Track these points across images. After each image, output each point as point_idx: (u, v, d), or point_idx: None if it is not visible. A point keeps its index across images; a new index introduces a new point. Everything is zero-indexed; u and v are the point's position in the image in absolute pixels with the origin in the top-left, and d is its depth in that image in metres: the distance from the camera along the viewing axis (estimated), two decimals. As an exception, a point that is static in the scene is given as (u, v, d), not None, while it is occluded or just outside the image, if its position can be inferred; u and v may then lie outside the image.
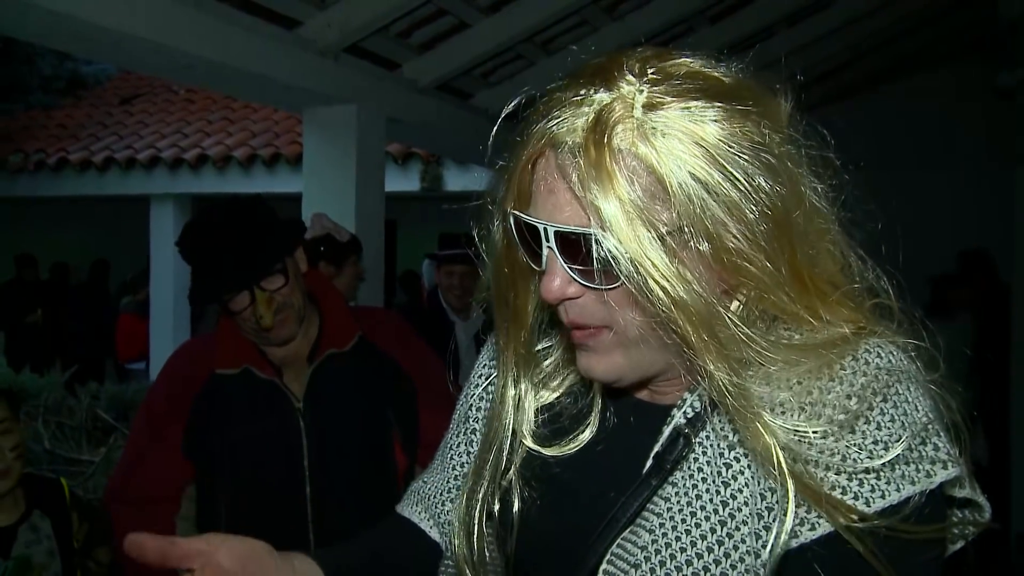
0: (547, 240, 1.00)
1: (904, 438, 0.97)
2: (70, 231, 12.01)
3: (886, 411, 0.98)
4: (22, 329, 10.23)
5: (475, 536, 1.17)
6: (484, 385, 1.30)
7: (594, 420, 1.16)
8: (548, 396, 1.20)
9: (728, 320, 0.97)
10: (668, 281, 0.94)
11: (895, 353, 1.02)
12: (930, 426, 0.98)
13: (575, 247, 0.98)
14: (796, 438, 0.97)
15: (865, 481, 0.96)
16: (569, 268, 1.00)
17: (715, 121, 0.95)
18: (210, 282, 2.27)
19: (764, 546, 0.97)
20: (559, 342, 1.21)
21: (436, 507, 1.31)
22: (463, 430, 1.32)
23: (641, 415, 1.13)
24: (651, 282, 0.94)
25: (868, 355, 1.01)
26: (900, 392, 0.99)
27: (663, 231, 0.94)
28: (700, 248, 0.95)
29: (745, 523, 0.98)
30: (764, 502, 0.99)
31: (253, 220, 2.30)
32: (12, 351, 10.04)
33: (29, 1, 3.02)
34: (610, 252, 0.94)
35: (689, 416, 1.06)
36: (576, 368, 1.16)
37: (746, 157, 0.95)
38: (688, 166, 0.94)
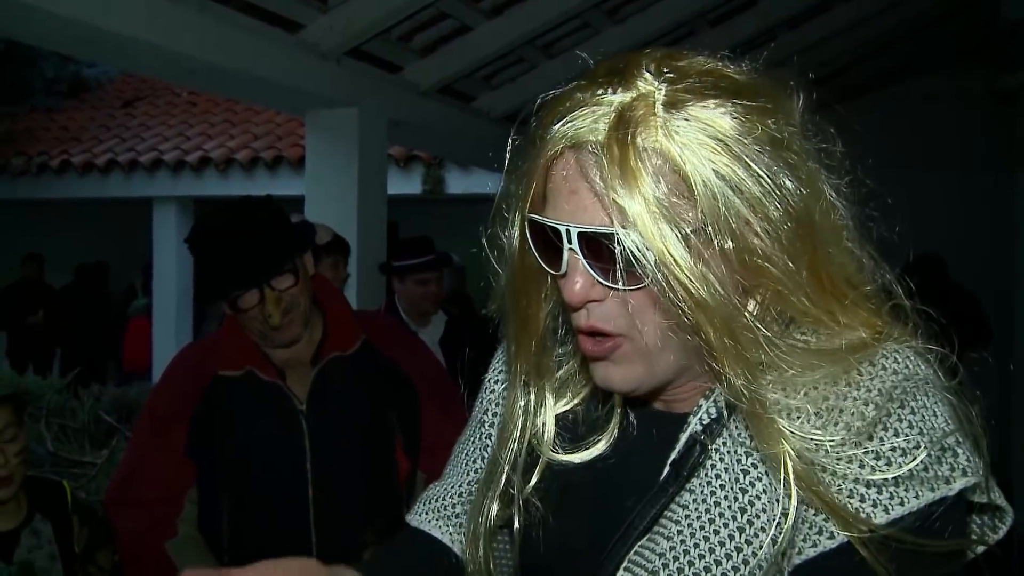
0: (569, 242, 0.99)
1: (924, 445, 0.95)
2: (72, 234, 12.00)
3: (904, 418, 0.96)
4: (24, 330, 10.24)
5: (483, 543, 1.16)
6: (500, 391, 1.29)
7: (612, 429, 1.14)
8: (565, 404, 1.18)
9: (748, 322, 0.97)
10: (692, 281, 0.94)
11: (912, 359, 1.01)
12: (950, 434, 0.97)
13: (599, 247, 0.97)
14: (812, 444, 0.96)
15: (884, 488, 0.94)
16: (592, 269, 0.99)
17: (735, 118, 0.95)
18: (220, 279, 2.28)
19: (781, 553, 0.97)
20: (575, 350, 1.18)
21: (448, 509, 1.30)
22: (478, 435, 1.31)
23: (658, 424, 1.12)
24: (674, 282, 0.94)
25: (885, 361, 1.00)
26: (919, 399, 0.98)
27: (687, 230, 0.94)
28: (723, 247, 0.95)
29: (763, 530, 0.97)
30: (779, 507, 0.97)
31: (265, 220, 2.31)
32: (14, 352, 10.06)
33: (32, 4, 3.03)
34: (634, 251, 0.94)
35: (705, 423, 1.05)
36: (589, 385, 1.16)
37: (767, 154, 0.96)
38: (712, 163, 0.94)
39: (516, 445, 1.16)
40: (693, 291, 0.94)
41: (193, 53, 3.66)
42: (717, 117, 0.95)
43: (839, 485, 0.95)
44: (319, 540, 2.34)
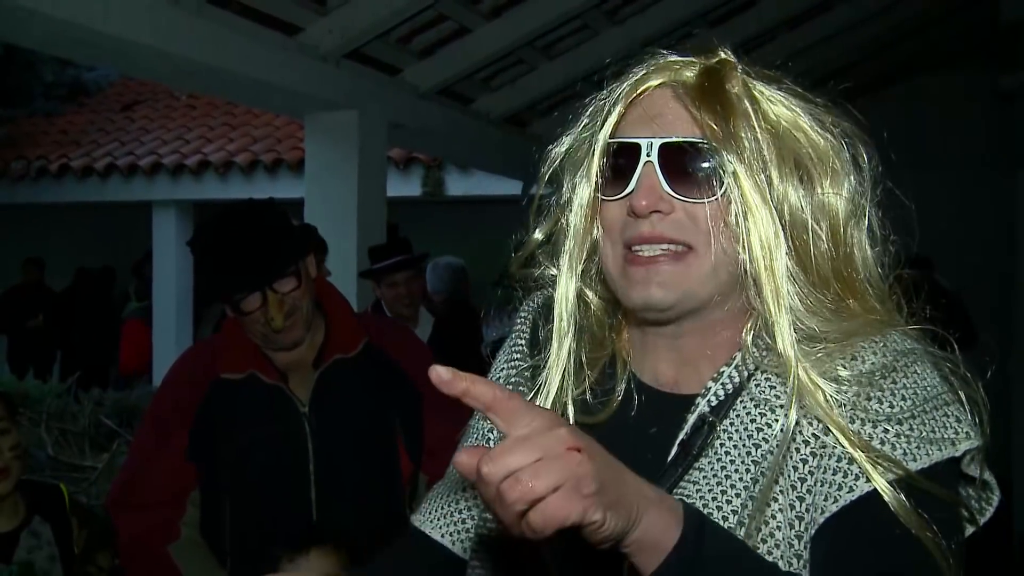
0: (648, 154, 1.07)
1: (924, 407, 1.01)
2: (72, 238, 12.01)
3: (902, 383, 1.03)
4: (24, 334, 10.23)
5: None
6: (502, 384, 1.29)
7: (615, 406, 1.17)
8: (578, 384, 1.19)
9: (789, 262, 1.05)
10: (759, 202, 1.03)
11: (910, 340, 1.08)
12: (953, 403, 1.03)
13: (678, 159, 1.06)
14: (832, 389, 1.02)
15: (896, 445, 0.99)
16: (666, 180, 1.06)
17: (799, 99, 1.09)
18: (223, 281, 2.29)
19: (799, 518, 1.00)
20: (588, 330, 1.21)
21: (450, 507, 1.30)
22: (480, 430, 1.32)
23: (665, 406, 1.14)
24: (746, 199, 1.03)
25: (887, 339, 1.06)
26: (917, 371, 1.04)
27: (762, 166, 1.04)
28: (783, 196, 1.05)
29: (776, 499, 1.01)
30: (797, 474, 1.02)
31: (268, 223, 2.32)
32: (14, 356, 10.05)
33: (32, 8, 3.03)
34: (717, 163, 1.04)
35: (713, 404, 1.09)
36: (600, 362, 1.19)
37: (825, 132, 1.08)
38: (785, 123, 1.07)
39: (563, 377, 1.17)
40: (757, 212, 1.03)
41: (192, 56, 3.66)
42: (788, 96, 1.09)
43: (856, 425, 1.00)
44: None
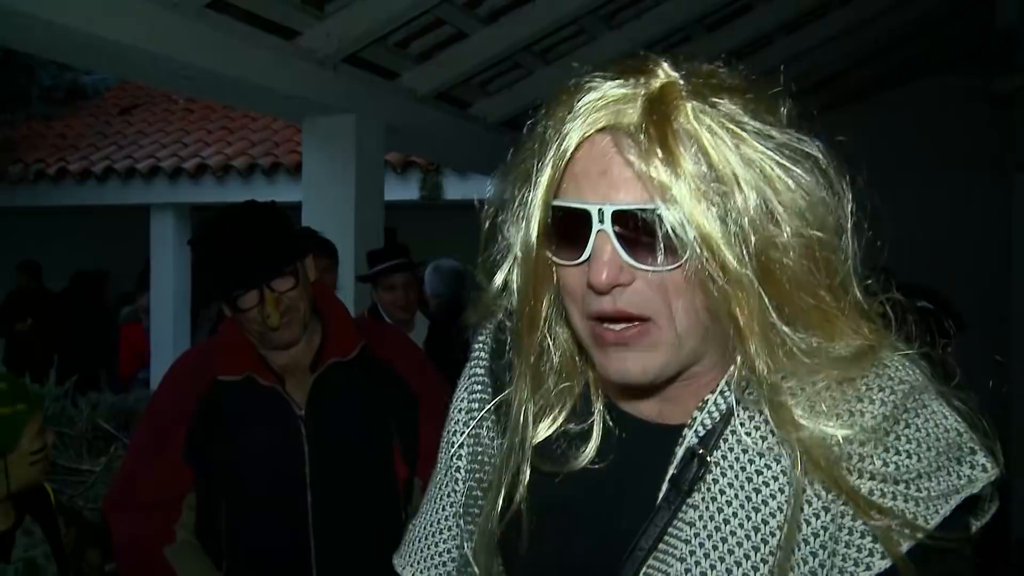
0: (601, 222, 0.96)
1: (941, 450, 0.97)
2: (70, 241, 12.00)
3: (920, 427, 0.98)
4: (15, 337, 10.22)
5: (491, 552, 1.14)
6: (465, 418, 1.26)
7: (595, 443, 1.11)
8: (550, 425, 1.13)
9: (771, 310, 0.96)
10: (730, 258, 0.93)
11: (912, 368, 1.02)
12: (964, 435, 0.99)
13: (632, 226, 0.95)
14: (831, 440, 0.96)
15: (920, 502, 0.96)
16: (624, 250, 0.96)
17: (749, 113, 0.97)
18: (221, 278, 2.30)
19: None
20: (556, 365, 1.14)
21: (427, 541, 1.29)
22: (448, 471, 1.29)
23: (650, 438, 1.09)
24: (713, 258, 0.93)
25: (890, 371, 1.01)
26: (929, 406, 1.00)
27: (722, 212, 0.93)
28: (750, 235, 0.94)
29: (780, 548, 0.97)
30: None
31: (268, 222, 2.34)
32: (11, 359, 10.04)
33: (30, 13, 3.03)
34: (675, 227, 0.93)
35: (700, 435, 1.04)
36: (573, 395, 1.13)
37: (787, 150, 0.97)
38: (738, 151, 0.95)
39: (521, 449, 1.12)
40: (731, 268, 0.93)
41: (190, 60, 3.66)
42: (737, 111, 0.97)
43: (867, 485, 0.96)
44: (317, 546, 2.33)
